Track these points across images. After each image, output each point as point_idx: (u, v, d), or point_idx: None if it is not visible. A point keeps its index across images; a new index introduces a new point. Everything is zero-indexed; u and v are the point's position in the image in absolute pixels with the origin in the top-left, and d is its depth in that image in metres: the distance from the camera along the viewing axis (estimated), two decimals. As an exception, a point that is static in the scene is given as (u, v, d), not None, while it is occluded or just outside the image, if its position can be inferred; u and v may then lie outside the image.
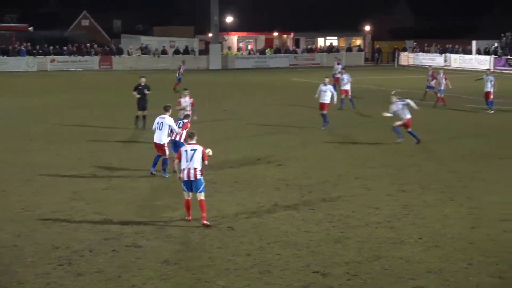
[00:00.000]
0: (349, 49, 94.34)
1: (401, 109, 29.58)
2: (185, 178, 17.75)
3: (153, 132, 23.79)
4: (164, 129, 23.32)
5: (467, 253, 15.47)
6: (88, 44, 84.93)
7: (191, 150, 17.92)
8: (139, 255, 15.37)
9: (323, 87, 33.99)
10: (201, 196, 17.77)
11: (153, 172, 23.39)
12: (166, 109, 23.79)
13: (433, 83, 45.18)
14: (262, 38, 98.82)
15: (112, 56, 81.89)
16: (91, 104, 44.49)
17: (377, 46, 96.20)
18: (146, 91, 33.50)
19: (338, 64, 52.27)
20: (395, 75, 72.13)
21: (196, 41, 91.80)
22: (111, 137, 31.41)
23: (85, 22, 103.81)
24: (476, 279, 13.97)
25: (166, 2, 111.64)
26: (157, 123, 23.50)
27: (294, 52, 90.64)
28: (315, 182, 22.49)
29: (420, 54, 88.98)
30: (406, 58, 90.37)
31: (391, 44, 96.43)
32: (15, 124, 35.11)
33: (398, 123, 29.48)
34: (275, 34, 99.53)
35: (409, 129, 29.53)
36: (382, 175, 23.71)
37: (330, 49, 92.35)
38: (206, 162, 18.14)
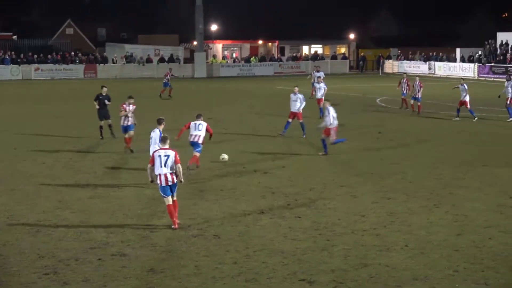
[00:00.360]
0: (334, 57, 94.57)
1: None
2: (163, 184, 18.00)
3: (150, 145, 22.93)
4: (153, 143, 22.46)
5: (452, 260, 15.51)
6: (72, 53, 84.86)
7: (165, 155, 18.10)
8: (124, 263, 15.33)
9: (293, 96, 33.89)
10: (175, 197, 18.29)
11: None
12: (159, 122, 22.66)
13: (405, 90, 45.28)
14: (247, 46, 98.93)
15: (97, 64, 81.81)
16: (75, 113, 44.39)
17: (362, 54, 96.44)
18: (106, 101, 33.19)
19: (318, 71, 52.16)
20: (380, 82, 72.32)
21: (181, 49, 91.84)
22: (96, 146, 31.34)
23: (70, 31, 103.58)
24: (462, 286, 14.01)
25: (150, 11, 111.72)
26: (153, 138, 22.57)
27: (279, 60, 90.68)
28: (301, 190, 22.51)
29: (404, 62, 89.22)
30: (391, 66, 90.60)
31: (375, 52, 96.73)
32: (2, 132, 35.02)
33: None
34: (260, 42, 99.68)
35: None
36: (367, 182, 23.76)
37: (315, 57, 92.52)
38: (179, 165, 18.23)
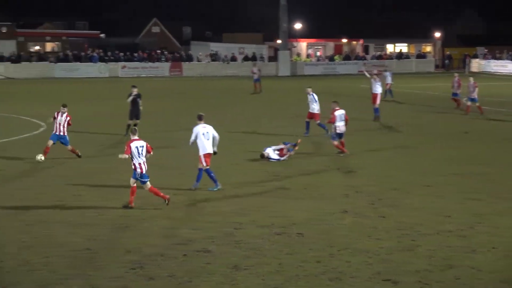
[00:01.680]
0: (419, 56, 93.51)
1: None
2: (141, 171, 20.04)
3: (192, 143, 22.70)
4: (211, 138, 22.41)
5: (541, 263, 15.22)
6: (158, 51, 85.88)
7: (140, 146, 20.13)
8: (209, 260, 15.47)
9: (308, 97, 33.68)
10: (149, 184, 20.21)
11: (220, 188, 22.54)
12: (200, 118, 22.66)
13: (457, 90, 44.21)
14: (331, 44, 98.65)
15: (182, 62, 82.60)
16: (161, 111, 44.87)
17: (447, 52, 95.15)
18: (139, 100, 33.60)
19: (386, 71, 52.34)
20: (466, 82, 71.14)
21: (265, 47, 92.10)
22: (176, 143, 31.63)
23: (156, 29, 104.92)
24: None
25: (235, 9, 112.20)
26: (203, 134, 22.28)
27: (363, 58, 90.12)
28: (385, 190, 22.36)
29: (491, 61, 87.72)
30: (477, 65, 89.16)
31: (461, 51, 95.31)
32: (87, 130, 35.62)
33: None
34: (344, 40, 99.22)
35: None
36: (452, 183, 23.45)
37: (400, 55, 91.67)
38: (151, 154, 20.59)
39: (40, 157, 26.84)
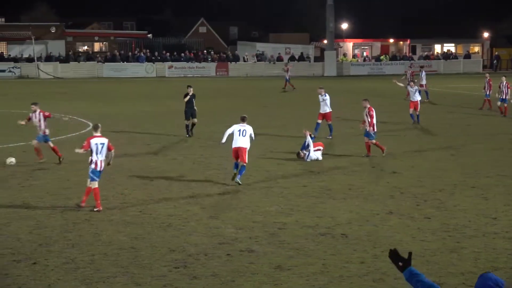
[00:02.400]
0: (467, 56, 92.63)
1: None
2: (99, 169, 20.02)
3: (227, 136, 24.08)
4: (247, 136, 23.62)
5: None
6: (205, 51, 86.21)
7: (101, 143, 20.19)
8: (252, 260, 15.49)
9: (320, 98, 33.18)
10: (97, 184, 20.08)
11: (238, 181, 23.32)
12: (243, 119, 24.06)
13: (488, 91, 43.62)
14: (377, 44, 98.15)
15: (229, 62, 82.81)
16: (206, 111, 45.01)
17: (496, 53, 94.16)
18: (193, 100, 33.83)
19: (421, 71, 52.36)
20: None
21: (312, 47, 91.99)
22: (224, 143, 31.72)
23: (203, 29, 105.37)
24: None
25: (281, 9, 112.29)
26: (239, 131, 23.65)
27: (411, 59, 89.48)
28: (430, 191, 22.19)
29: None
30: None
31: (510, 51, 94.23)
32: (132, 129, 35.87)
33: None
34: (391, 40, 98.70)
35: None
36: (498, 184, 23.20)
37: (448, 56, 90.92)
38: (112, 151, 20.66)
39: (11, 161, 26.50)
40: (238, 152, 23.43)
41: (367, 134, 28.04)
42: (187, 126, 33.70)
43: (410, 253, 8.04)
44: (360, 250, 16.19)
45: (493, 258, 15.56)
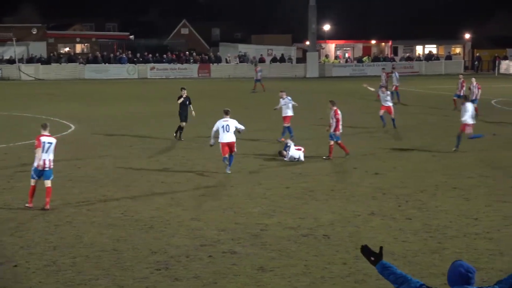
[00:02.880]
0: (448, 57, 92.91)
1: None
2: (41, 168, 19.90)
3: (214, 135, 25.54)
4: (231, 130, 25.13)
5: None
6: (187, 52, 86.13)
7: (49, 142, 20.15)
8: (234, 261, 15.48)
9: (281, 101, 32.83)
10: (50, 183, 20.00)
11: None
12: (226, 113, 25.61)
13: (461, 92, 43.81)
14: (359, 46, 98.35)
15: (211, 64, 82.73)
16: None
17: (477, 54, 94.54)
18: (188, 103, 33.63)
19: (393, 72, 52.51)
20: (496, 83, 70.76)
21: (294, 49, 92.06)
22: (207, 145, 31.70)
23: (185, 31, 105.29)
24: None
25: (264, 11, 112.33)
26: (223, 127, 25.10)
27: (392, 60, 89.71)
28: (412, 192, 22.25)
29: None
30: (507, 66, 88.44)
31: (491, 52, 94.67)
32: (115, 131, 35.79)
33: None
34: (373, 42, 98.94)
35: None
36: (480, 185, 23.30)
37: (429, 57, 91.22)
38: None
39: None
40: (227, 146, 24.92)
41: (332, 136, 28.07)
42: (180, 128, 33.43)
43: (381, 248, 8.46)
44: (342, 251, 16.22)
45: (474, 258, 15.61)
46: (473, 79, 42.68)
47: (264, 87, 60.44)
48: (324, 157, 28.09)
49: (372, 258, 8.47)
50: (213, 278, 14.42)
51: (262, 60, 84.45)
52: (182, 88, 34.54)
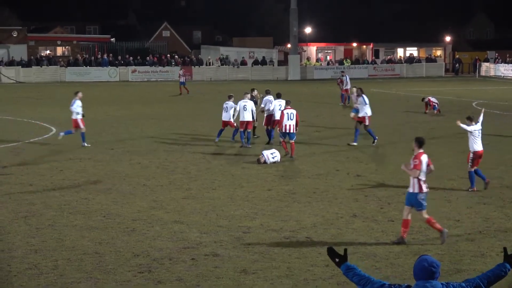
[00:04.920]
0: (429, 60, 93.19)
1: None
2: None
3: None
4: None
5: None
6: (168, 55, 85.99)
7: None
8: (217, 264, 15.47)
9: (227, 104, 31.97)
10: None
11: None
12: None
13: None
14: (341, 48, 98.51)
15: (192, 66, 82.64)
16: (170, 114, 44.96)
17: (457, 56, 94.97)
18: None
19: (344, 76, 53.30)
20: (476, 86, 71.15)
21: (275, 52, 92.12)
22: (189, 147, 31.70)
23: (166, 33, 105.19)
24: (560, 295, 13.66)
25: (245, 14, 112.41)
26: (244, 106, 31.10)
27: (373, 62, 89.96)
28: (394, 194, 22.32)
29: (501, 65, 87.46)
30: (488, 69, 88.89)
31: (472, 55, 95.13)
32: (96, 134, 35.69)
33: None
34: (354, 44, 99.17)
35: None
36: (461, 187, 23.39)
37: (411, 59, 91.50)
38: None
39: None
40: (245, 124, 31.13)
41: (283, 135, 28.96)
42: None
43: (345, 250, 8.77)
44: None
45: (456, 260, 15.69)
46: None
47: (188, 90, 61.39)
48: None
49: (337, 260, 8.75)
50: (196, 281, 14.40)
51: (244, 63, 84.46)
52: (247, 92, 32.86)
